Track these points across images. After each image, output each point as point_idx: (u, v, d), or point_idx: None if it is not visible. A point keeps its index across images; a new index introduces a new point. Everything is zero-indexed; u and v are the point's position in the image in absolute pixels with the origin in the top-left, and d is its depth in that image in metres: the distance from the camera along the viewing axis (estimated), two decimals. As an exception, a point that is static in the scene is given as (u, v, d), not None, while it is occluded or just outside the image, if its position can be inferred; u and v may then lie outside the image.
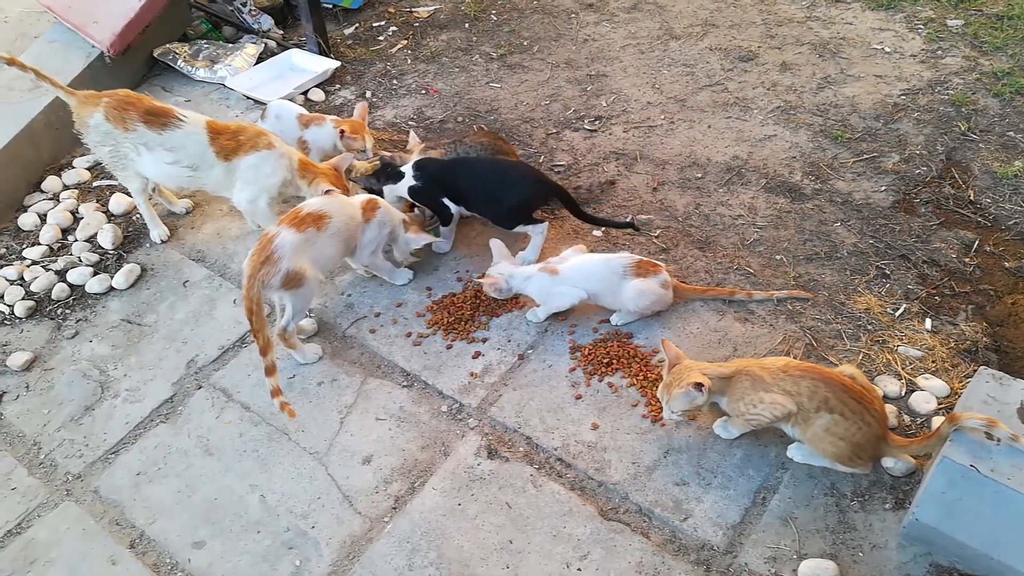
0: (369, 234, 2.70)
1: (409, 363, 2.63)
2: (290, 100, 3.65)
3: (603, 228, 3.03)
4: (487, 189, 2.84)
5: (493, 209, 2.88)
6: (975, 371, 2.23)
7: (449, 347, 2.67)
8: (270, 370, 2.39)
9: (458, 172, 2.87)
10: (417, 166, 2.92)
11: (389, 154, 3.07)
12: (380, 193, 2.97)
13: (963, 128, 3.42)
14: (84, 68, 3.73)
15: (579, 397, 2.47)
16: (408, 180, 2.91)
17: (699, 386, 2.11)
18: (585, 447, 2.33)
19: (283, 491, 2.30)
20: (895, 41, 4.04)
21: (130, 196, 3.23)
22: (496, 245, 2.73)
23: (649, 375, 2.50)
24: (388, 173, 2.95)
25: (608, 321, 2.69)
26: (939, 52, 3.93)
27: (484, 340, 2.68)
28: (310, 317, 2.79)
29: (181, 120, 2.82)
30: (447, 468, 2.32)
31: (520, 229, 2.88)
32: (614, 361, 2.56)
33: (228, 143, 2.84)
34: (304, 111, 3.40)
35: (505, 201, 2.81)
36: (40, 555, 2.21)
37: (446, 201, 2.89)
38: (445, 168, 2.91)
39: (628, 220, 2.98)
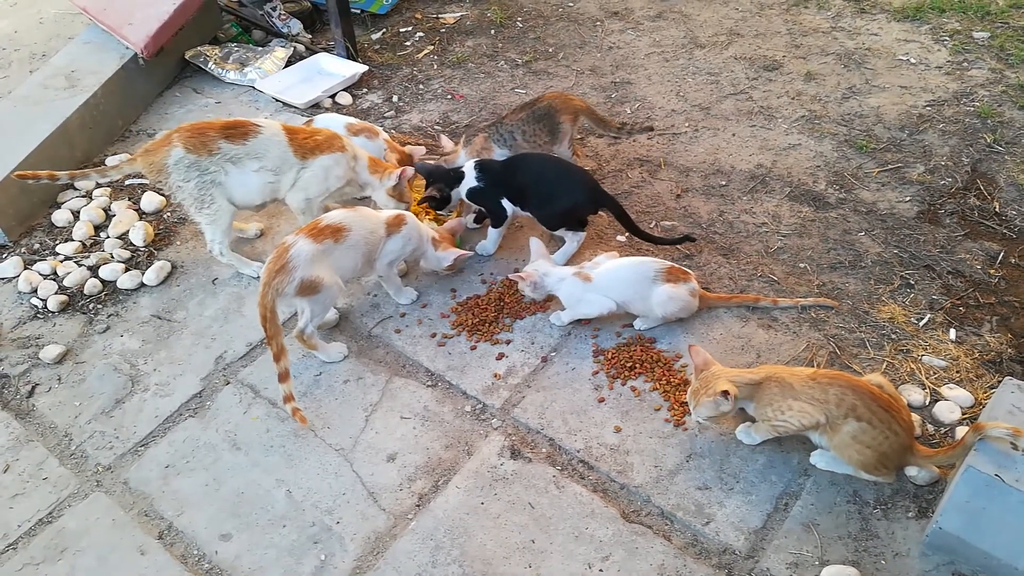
0: (391, 246, 2.72)
1: (433, 363, 2.66)
2: (326, 110, 3.67)
3: (628, 235, 3.01)
4: (544, 189, 2.84)
5: (544, 208, 2.87)
6: (999, 382, 2.23)
7: (473, 348, 2.69)
8: (283, 376, 2.42)
9: (519, 170, 2.88)
10: (480, 167, 2.92)
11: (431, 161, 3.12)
12: (449, 199, 2.98)
13: (989, 140, 3.42)
14: (118, 69, 3.80)
15: (602, 400, 2.49)
16: (470, 181, 2.92)
17: (726, 394, 2.13)
18: (608, 450, 2.35)
19: (309, 487, 2.33)
20: (920, 52, 4.04)
21: (160, 195, 3.29)
22: (535, 244, 2.73)
23: (672, 380, 2.52)
24: (452, 176, 2.96)
25: (631, 325, 2.71)
26: (965, 64, 3.93)
27: (508, 342, 2.70)
28: (334, 310, 2.81)
29: (259, 127, 2.86)
30: (470, 467, 2.34)
31: (560, 233, 2.90)
32: (637, 365, 2.57)
33: (306, 142, 2.89)
34: (353, 120, 3.41)
35: (557, 202, 2.83)
36: (70, 544, 2.25)
37: (504, 202, 2.90)
38: (507, 167, 2.91)
39: (685, 235, 2.92)
